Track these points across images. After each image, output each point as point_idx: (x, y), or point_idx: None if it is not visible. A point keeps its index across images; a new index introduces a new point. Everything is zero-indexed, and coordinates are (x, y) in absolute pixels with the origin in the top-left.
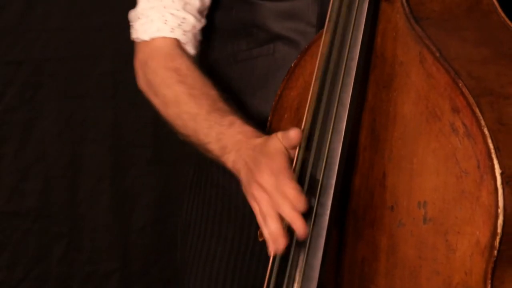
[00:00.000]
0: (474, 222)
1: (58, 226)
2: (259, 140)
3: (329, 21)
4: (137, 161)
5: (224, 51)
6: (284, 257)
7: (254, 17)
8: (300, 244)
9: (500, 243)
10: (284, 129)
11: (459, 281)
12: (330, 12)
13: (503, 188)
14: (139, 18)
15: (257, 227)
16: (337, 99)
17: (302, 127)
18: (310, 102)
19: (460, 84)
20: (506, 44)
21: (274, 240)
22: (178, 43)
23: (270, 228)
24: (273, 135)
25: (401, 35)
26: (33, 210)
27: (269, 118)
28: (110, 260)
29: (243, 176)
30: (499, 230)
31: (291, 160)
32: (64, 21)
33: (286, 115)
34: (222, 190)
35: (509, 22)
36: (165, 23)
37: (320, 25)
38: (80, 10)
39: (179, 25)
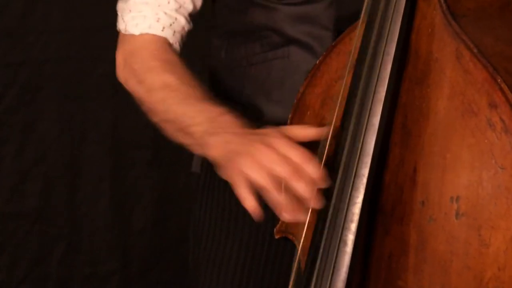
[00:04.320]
0: (509, 217)
1: (58, 227)
2: (255, 130)
3: (365, 15)
4: (137, 162)
5: (237, 53)
6: (314, 252)
7: (269, 21)
8: (330, 240)
9: None
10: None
11: (492, 276)
12: (367, 6)
13: None
14: (130, 11)
15: (273, 227)
16: (372, 93)
17: (334, 121)
18: (342, 95)
19: (499, 80)
20: None
21: (290, 210)
22: (166, 41)
23: (278, 199)
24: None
25: (437, 31)
26: (33, 211)
27: (290, 115)
28: (110, 261)
29: (226, 152)
30: None
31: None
32: (64, 22)
33: (308, 112)
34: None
35: None
36: (158, 21)
37: (336, 29)
38: (79, 11)
39: (170, 25)
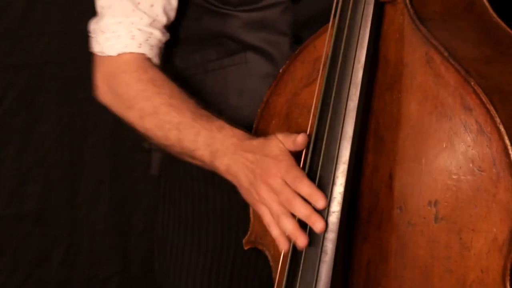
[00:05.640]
0: (490, 219)
1: (58, 230)
2: (256, 142)
3: (333, 23)
4: (137, 165)
5: (192, 60)
6: (295, 262)
7: (224, 27)
8: (311, 250)
9: None
10: (272, 135)
11: (475, 279)
12: (334, 14)
13: None
14: (103, 32)
15: (237, 235)
16: (345, 101)
17: (308, 131)
18: (315, 105)
19: (472, 83)
20: (504, 44)
21: (297, 236)
22: (145, 57)
23: (288, 226)
24: (272, 137)
25: (405, 36)
26: (33, 213)
27: (254, 125)
28: (110, 263)
29: (243, 179)
30: None
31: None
32: (64, 24)
33: (273, 121)
34: (198, 198)
35: (500, 21)
36: (133, 38)
37: (294, 34)
38: (79, 13)
39: (146, 40)
